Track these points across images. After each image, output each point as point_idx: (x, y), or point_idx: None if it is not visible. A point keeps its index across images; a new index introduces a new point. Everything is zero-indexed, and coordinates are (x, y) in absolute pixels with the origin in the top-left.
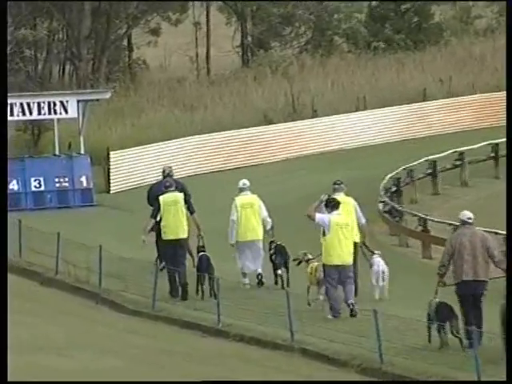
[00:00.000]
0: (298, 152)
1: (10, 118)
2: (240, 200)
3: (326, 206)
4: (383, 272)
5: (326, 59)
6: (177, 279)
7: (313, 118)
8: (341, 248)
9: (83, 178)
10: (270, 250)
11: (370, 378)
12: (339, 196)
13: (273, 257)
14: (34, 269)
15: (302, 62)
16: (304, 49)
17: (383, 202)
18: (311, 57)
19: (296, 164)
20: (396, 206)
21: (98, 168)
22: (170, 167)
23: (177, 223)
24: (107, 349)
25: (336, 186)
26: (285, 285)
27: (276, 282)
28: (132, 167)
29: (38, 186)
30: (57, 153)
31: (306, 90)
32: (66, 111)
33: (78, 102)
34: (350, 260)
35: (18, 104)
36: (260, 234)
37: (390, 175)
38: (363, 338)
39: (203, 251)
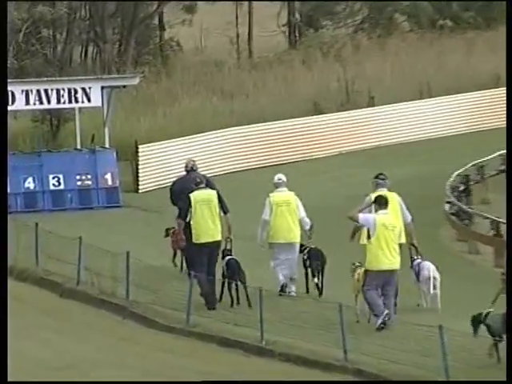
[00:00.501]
0: (353, 146)
1: (25, 107)
2: (275, 197)
3: (375, 203)
4: (435, 278)
5: (385, 40)
6: (205, 287)
7: (369, 107)
8: (389, 251)
9: (108, 176)
10: (303, 254)
11: None
12: (383, 192)
13: (307, 262)
14: (52, 278)
15: (357, 42)
16: (359, 28)
17: (450, 202)
18: (368, 37)
19: (350, 159)
20: (464, 207)
21: (124, 164)
22: (194, 161)
23: (211, 224)
24: (138, 369)
25: (379, 181)
26: (319, 293)
27: (307, 291)
28: (163, 163)
29: (56, 184)
30: (78, 147)
31: (362, 75)
32: (89, 99)
33: (103, 88)
34: (397, 264)
35: (34, 91)
36: (297, 236)
37: (457, 172)
38: (426, 357)
39: (230, 255)
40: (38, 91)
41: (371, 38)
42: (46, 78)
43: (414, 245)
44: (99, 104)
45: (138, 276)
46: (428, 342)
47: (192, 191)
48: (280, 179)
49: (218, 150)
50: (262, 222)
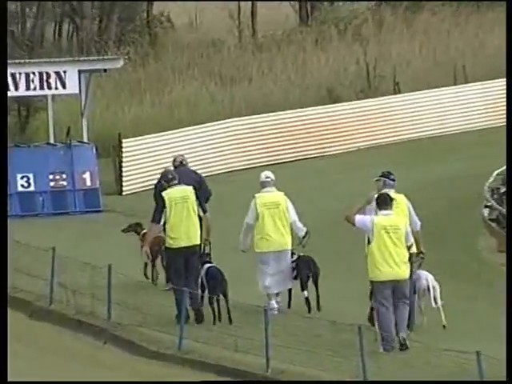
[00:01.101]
0: (373, 140)
1: None
2: (262, 198)
3: (376, 202)
4: (434, 288)
5: (413, 15)
6: (186, 301)
7: (394, 94)
8: (392, 258)
9: (86, 175)
10: (292, 261)
11: None
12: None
13: (294, 272)
14: (20, 296)
15: (380, 18)
16: (382, 1)
17: (489, 206)
18: (392, 12)
19: (370, 156)
20: (505, 212)
21: (106, 161)
22: (182, 155)
23: (189, 226)
24: None
25: (388, 181)
26: (314, 309)
27: (289, 305)
28: (152, 160)
29: (25, 185)
30: (51, 141)
31: (386, 57)
32: (64, 85)
33: (80, 72)
34: (405, 273)
35: None
36: (288, 243)
37: (497, 171)
38: None
39: (209, 262)
40: None
41: (396, 12)
42: (12, 61)
43: (422, 252)
44: (76, 91)
45: (122, 293)
46: (461, 370)
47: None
48: (268, 177)
49: (215, 145)
50: (244, 227)
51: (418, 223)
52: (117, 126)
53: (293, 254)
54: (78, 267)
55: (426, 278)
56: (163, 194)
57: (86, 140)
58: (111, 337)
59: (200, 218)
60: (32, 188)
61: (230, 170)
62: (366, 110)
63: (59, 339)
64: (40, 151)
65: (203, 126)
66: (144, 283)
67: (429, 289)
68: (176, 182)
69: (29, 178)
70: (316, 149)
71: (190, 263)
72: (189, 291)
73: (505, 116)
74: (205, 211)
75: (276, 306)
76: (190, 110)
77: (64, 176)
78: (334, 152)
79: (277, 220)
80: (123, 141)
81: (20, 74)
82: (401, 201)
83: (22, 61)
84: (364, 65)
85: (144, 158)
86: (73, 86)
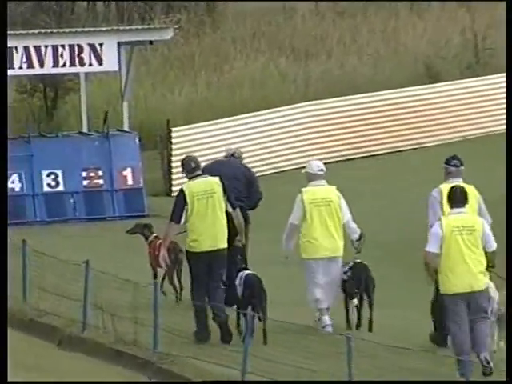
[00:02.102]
0: (482, 128)
1: (9, 73)
2: (310, 193)
3: (448, 199)
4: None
5: None
6: (207, 314)
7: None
8: (467, 266)
9: (127, 172)
10: (344, 272)
11: None
12: (458, 183)
13: (347, 283)
14: (47, 320)
15: None
16: None
17: None
18: None
19: (478, 148)
20: None
21: (151, 155)
22: (238, 150)
23: (214, 225)
24: None
25: (451, 168)
26: (356, 325)
27: (348, 321)
28: (208, 154)
29: (53, 184)
30: (84, 130)
31: (497, 25)
32: (100, 61)
33: (120, 45)
34: (482, 283)
35: (20, 49)
36: (340, 247)
37: None
38: None
39: (246, 268)
40: (27, 49)
41: None
42: (37, 30)
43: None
44: (115, 68)
45: (171, 316)
46: None
47: (225, 177)
48: (321, 169)
49: (286, 134)
50: (288, 228)
51: (490, 221)
52: (165, 112)
53: (348, 262)
54: (117, 285)
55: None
56: (183, 187)
57: (126, 128)
58: (158, 371)
59: (228, 217)
60: (61, 188)
61: (304, 165)
62: (472, 91)
63: (94, 373)
64: (70, 142)
65: (271, 111)
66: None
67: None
68: (200, 172)
69: (57, 176)
70: (411, 139)
71: (215, 271)
72: (212, 304)
73: None
74: (234, 207)
75: (329, 322)
76: (254, 91)
77: (100, 173)
78: (433, 143)
79: (327, 220)
80: (173, 129)
81: (46, 46)
82: (472, 193)
83: (49, 30)
84: (471, 35)
85: (199, 151)
86: (111, 61)
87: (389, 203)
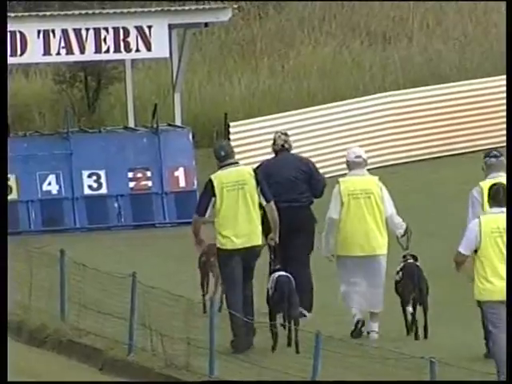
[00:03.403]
0: None
1: (43, 59)
2: (348, 183)
3: (488, 197)
4: None
5: None
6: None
7: None
8: (503, 270)
9: (179, 172)
10: (396, 272)
11: None
12: (498, 179)
13: (399, 285)
14: (88, 342)
15: None
16: None
17: None
18: None
19: None
20: None
21: (206, 153)
22: (287, 135)
23: (247, 220)
24: None
25: (491, 160)
26: (420, 333)
27: (408, 330)
28: (271, 151)
29: (95, 186)
30: (131, 124)
31: None
32: (148, 47)
33: (171, 28)
34: None
35: (58, 33)
36: (382, 245)
37: None
38: None
39: (279, 269)
40: (65, 33)
41: None
42: (77, 11)
43: None
44: (166, 54)
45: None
46: None
47: (285, 180)
48: (359, 156)
49: (361, 129)
50: (327, 223)
51: None
52: (222, 104)
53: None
54: (168, 300)
55: None
56: (212, 176)
57: (178, 123)
58: None
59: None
60: (104, 190)
61: (382, 165)
62: None
63: None
64: (115, 139)
65: (343, 103)
66: (262, 324)
67: None
68: (232, 161)
69: (99, 177)
70: (505, 135)
71: (249, 270)
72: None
73: None
74: (268, 200)
75: (376, 329)
76: (324, 81)
77: (148, 174)
78: None
79: (367, 214)
80: (231, 124)
81: (87, 30)
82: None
83: (90, 11)
84: None
85: (260, 149)
86: (161, 47)
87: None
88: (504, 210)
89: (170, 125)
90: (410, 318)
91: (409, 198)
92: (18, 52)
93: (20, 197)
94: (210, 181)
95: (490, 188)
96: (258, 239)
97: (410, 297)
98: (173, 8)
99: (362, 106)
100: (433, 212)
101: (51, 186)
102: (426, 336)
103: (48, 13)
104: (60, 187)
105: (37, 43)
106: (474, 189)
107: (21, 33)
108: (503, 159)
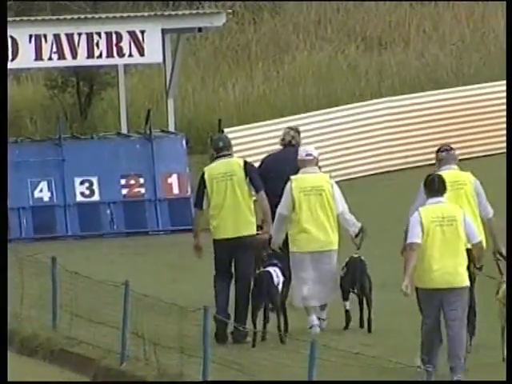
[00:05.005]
0: None
1: (35, 64)
2: (299, 181)
3: (425, 188)
4: None
5: None
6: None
7: None
8: (442, 260)
9: (173, 179)
10: (342, 267)
11: None
12: (449, 171)
13: (342, 280)
14: (80, 351)
15: None
16: None
17: None
18: None
19: None
20: None
21: (201, 159)
22: (297, 130)
23: (235, 210)
24: None
25: (443, 154)
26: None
27: (346, 325)
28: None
29: (87, 193)
30: (123, 130)
31: None
32: (142, 52)
33: (164, 33)
34: (462, 279)
35: (50, 37)
36: (334, 241)
37: None
38: None
39: (273, 263)
40: (57, 37)
41: None
42: (69, 16)
43: (500, 253)
44: (159, 59)
45: (224, 346)
46: None
47: (284, 175)
48: (309, 154)
49: (357, 136)
50: (277, 219)
51: (491, 211)
52: (216, 110)
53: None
54: (160, 310)
55: None
56: (204, 169)
57: (172, 129)
58: None
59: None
60: (96, 197)
61: (378, 171)
62: None
63: None
64: (107, 145)
65: (339, 109)
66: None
67: None
68: (227, 153)
69: (92, 184)
70: (504, 141)
71: (240, 262)
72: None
73: None
74: (258, 190)
75: (316, 322)
76: (320, 85)
77: (141, 180)
78: None
79: (318, 211)
80: (225, 130)
81: (80, 34)
82: (466, 180)
83: (82, 16)
84: None
85: (256, 155)
86: (154, 52)
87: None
88: (442, 199)
89: (163, 131)
90: (346, 313)
91: (405, 205)
92: (10, 57)
93: (11, 204)
94: (203, 173)
95: (426, 179)
96: (247, 229)
97: (349, 291)
98: (166, 13)
99: (357, 112)
100: None
101: (43, 192)
102: (369, 330)
103: (40, 17)
104: (52, 194)
105: (28, 48)
106: (422, 181)
107: (12, 37)
108: (454, 153)
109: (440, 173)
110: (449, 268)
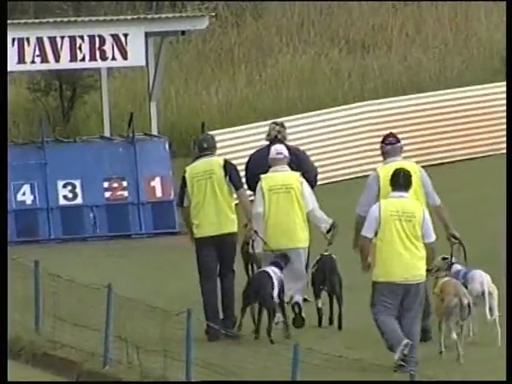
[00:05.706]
0: None
1: (18, 68)
2: (268, 179)
3: (391, 183)
4: (490, 294)
5: None
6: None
7: None
8: (400, 255)
9: (156, 182)
10: (313, 265)
11: None
12: (394, 163)
13: (314, 277)
14: (63, 354)
15: None
16: None
17: None
18: None
19: None
20: None
21: (184, 163)
22: (283, 126)
23: (216, 208)
24: None
25: (388, 148)
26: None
27: (319, 322)
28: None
29: (70, 196)
30: (106, 134)
31: None
32: (124, 55)
33: (147, 36)
34: (419, 274)
35: (33, 40)
36: (303, 239)
37: None
38: None
39: (273, 262)
40: (40, 41)
41: None
42: (52, 19)
43: (455, 237)
44: (142, 63)
45: (208, 348)
46: None
47: (258, 171)
48: (280, 153)
49: (341, 139)
50: (254, 219)
51: (438, 199)
52: (199, 113)
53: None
54: (143, 313)
55: (481, 280)
56: (186, 168)
57: (155, 132)
58: None
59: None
60: (79, 200)
61: (360, 175)
62: None
63: None
64: (90, 148)
65: (322, 112)
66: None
67: (483, 294)
68: (209, 152)
69: (74, 187)
70: (484, 144)
71: (224, 258)
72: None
73: None
74: (237, 188)
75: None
76: (303, 88)
77: (124, 184)
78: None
79: (288, 208)
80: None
81: (62, 38)
82: (412, 170)
83: (65, 19)
84: None
85: (239, 158)
86: (137, 55)
87: (472, 216)
88: (404, 194)
89: (146, 134)
90: (318, 310)
91: None
92: None
93: None
94: (184, 172)
95: (393, 173)
96: (228, 227)
97: (320, 289)
98: (149, 16)
99: (340, 116)
100: None
101: (25, 196)
102: (340, 327)
103: (22, 21)
104: (34, 197)
105: (11, 51)
106: (371, 174)
107: None
108: (399, 145)
109: (386, 166)
110: (407, 262)
